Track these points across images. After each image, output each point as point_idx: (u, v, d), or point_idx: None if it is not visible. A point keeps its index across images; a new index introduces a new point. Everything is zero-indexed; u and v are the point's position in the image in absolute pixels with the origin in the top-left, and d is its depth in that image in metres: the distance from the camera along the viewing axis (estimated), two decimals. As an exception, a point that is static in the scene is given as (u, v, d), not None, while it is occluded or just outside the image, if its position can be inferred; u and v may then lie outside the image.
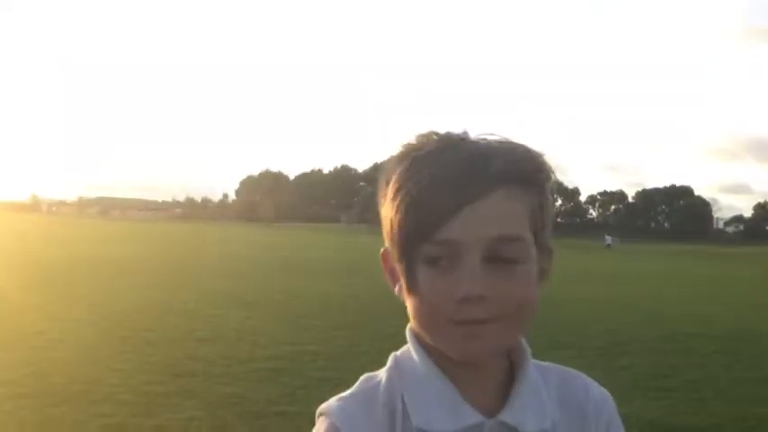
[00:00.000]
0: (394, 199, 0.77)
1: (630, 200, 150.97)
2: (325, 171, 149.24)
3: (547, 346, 7.91)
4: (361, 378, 0.85)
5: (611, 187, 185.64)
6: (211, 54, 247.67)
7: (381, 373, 0.84)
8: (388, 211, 0.79)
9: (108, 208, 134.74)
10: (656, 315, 12.58)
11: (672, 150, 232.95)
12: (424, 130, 0.81)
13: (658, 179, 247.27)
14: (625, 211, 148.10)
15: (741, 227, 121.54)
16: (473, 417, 0.79)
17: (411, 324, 0.82)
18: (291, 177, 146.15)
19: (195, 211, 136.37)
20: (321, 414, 0.82)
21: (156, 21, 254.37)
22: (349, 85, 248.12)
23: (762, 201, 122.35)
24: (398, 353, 0.85)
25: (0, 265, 17.27)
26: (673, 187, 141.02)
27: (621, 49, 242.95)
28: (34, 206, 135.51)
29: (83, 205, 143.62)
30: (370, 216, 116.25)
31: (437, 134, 0.80)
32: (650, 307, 13.88)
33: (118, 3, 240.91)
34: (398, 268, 0.80)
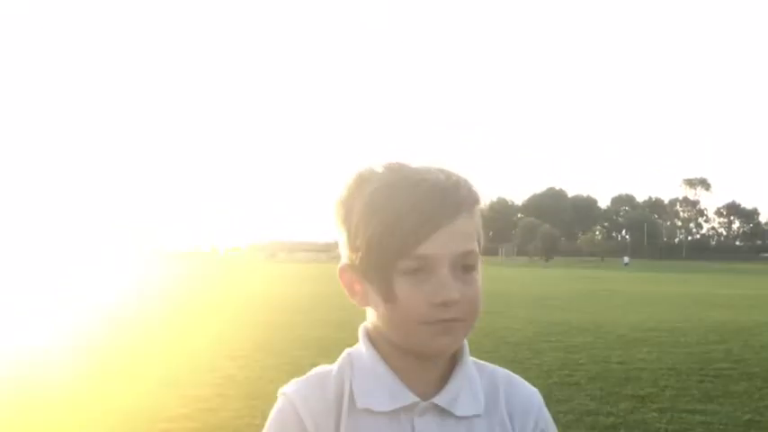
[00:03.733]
0: (369, 222, 0.92)
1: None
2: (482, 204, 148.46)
3: None
4: (315, 368, 1.03)
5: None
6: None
7: (333, 365, 1.02)
8: (358, 232, 0.93)
9: (276, 251, 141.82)
10: None
11: None
12: (373, 160, 0.97)
13: None
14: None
15: None
16: (409, 398, 0.95)
17: (366, 324, 1.01)
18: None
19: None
20: (280, 394, 1.00)
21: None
22: (501, 118, 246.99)
23: None
24: (350, 349, 1.02)
25: (179, 306, 18.52)
26: None
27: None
28: (213, 254, 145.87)
29: (253, 250, 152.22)
30: (529, 248, 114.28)
31: (392, 164, 0.96)
32: None
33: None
34: (369, 280, 0.95)
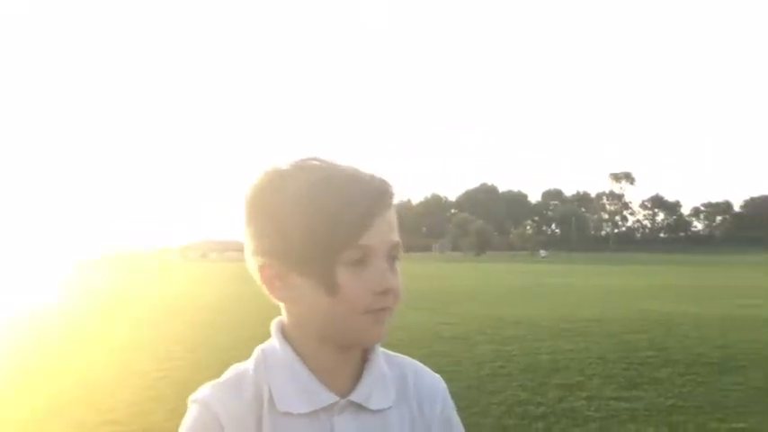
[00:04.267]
0: (305, 215, 0.91)
1: (737, 209, 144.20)
2: (415, 202, 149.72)
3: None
4: (230, 368, 0.99)
5: (716, 198, 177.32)
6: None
7: (248, 363, 0.99)
8: (291, 226, 0.91)
9: (207, 251, 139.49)
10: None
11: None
12: (280, 158, 0.97)
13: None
14: (732, 221, 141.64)
15: None
16: (328, 398, 0.95)
17: (282, 319, 1.01)
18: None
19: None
20: (193, 401, 0.96)
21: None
22: (435, 115, 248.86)
23: None
24: (263, 345, 1.01)
25: (109, 308, 18.01)
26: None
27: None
28: (141, 256, 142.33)
29: (185, 249, 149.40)
30: (463, 244, 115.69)
31: (308, 159, 0.96)
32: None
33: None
34: (304, 274, 0.93)
